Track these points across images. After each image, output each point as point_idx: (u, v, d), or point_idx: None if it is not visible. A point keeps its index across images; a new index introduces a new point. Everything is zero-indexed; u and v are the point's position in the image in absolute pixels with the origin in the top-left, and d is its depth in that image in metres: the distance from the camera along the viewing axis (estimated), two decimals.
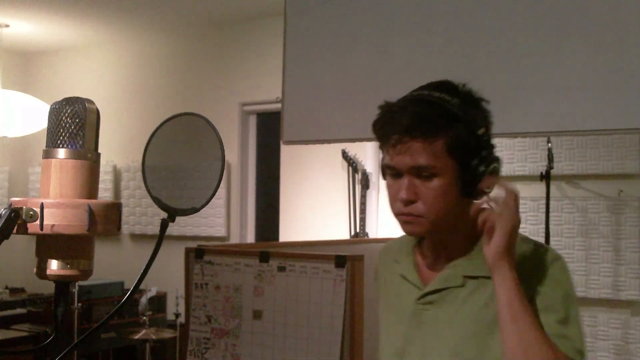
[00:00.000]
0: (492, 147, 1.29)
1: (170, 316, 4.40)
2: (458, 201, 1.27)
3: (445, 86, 1.31)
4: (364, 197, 4.13)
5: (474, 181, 1.25)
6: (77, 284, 3.87)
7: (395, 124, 1.25)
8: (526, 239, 1.33)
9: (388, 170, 1.29)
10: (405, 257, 1.41)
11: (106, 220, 0.89)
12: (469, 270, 1.31)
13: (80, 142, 0.89)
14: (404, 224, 1.29)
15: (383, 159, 1.32)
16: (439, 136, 1.23)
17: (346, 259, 2.17)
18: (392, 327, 1.41)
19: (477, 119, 1.29)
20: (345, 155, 4.16)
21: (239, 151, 4.92)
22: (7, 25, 4.99)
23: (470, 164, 1.25)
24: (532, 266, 1.27)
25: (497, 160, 1.29)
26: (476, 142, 1.26)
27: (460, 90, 1.31)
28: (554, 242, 3.42)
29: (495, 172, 1.27)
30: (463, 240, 1.33)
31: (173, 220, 0.97)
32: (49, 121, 0.90)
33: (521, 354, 1.17)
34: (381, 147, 1.31)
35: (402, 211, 1.27)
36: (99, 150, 0.93)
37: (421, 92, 1.29)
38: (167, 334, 3.97)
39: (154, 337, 3.81)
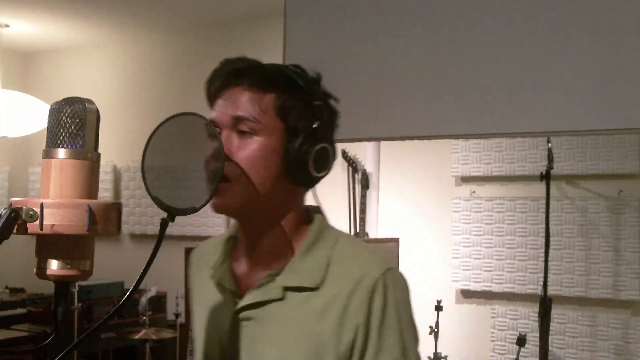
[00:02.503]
0: (328, 129, 1.15)
1: (170, 316, 4.40)
2: (280, 178, 1.10)
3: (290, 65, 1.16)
4: (364, 197, 4.13)
5: (300, 157, 1.09)
6: (77, 284, 3.87)
7: (228, 70, 1.11)
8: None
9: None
10: (222, 262, 1.19)
11: (106, 220, 0.89)
12: (289, 280, 1.10)
13: (80, 142, 0.89)
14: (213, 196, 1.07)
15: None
16: (271, 91, 1.09)
17: None
18: (208, 343, 1.19)
19: (318, 92, 1.14)
20: (345, 155, 4.16)
21: None
22: (7, 25, 4.99)
23: (299, 132, 1.10)
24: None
25: (330, 142, 1.14)
26: (310, 111, 1.11)
27: (307, 73, 1.16)
28: (554, 242, 3.43)
29: (327, 156, 1.14)
30: (284, 243, 1.13)
31: (173, 220, 0.97)
32: (49, 121, 0.90)
33: None
34: (211, 106, 1.15)
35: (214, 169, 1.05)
36: (99, 150, 0.93)
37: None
38: (167, 334, 3.96)
39: (154, 337, 3.81)
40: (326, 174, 1.15)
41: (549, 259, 3.25)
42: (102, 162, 0.94)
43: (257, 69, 1.12)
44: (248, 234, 1.16)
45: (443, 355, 3.53)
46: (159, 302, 4.58)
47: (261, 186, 1.09)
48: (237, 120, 1.09)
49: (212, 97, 1.14)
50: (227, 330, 1.13)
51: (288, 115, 1.10)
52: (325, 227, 1.17)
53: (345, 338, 1.05)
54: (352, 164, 4.17)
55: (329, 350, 1.06)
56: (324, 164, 1.13)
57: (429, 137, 2.69)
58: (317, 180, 1.14)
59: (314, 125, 1.11)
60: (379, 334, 1.06)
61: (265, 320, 1.11)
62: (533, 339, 3.42)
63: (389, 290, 1.07)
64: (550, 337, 3.20)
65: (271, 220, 1.13)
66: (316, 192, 1.21)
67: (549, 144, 3.32)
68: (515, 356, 3.29)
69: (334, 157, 1.15)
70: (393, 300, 1.07)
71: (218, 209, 1.11)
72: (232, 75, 1.11)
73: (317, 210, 1.20)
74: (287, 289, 1.10)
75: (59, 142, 0.89)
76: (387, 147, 4.16)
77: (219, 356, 1.15)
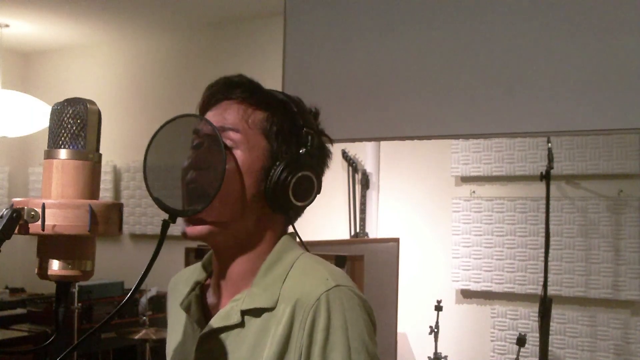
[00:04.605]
0: (315, 160, 1.10)
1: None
2: (257, 201, 1.06)
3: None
4: (364, 197, 4.13)
5: (279, 181, 1.05)
6: (77, 284, 3.87)
7: (222, 81, 1.10)
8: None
9: (194, 140, 1.06)
10: (191, 290, 1.13)
11: (107, 220, 0.89)
12: (246, 302, 1.03)
13: (82, 143, 0.89)
14: (187, 197, 1.04)
15: None
16: (263, 109, 1.07)
17: (346, 259, 2.17)
18: None
19: (312, 122, 1.11)
20: (345, 155, 4.16)
21: None
22: (7, 25, 4.99)
23: (283, 156, 1.06)
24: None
25: (315, 172, 1.08)
26: (298, 138, 1.07)
27: (304, 104, 1.14)
28: (554, 242, 3.43)
29: (310, 185, 1.08)
30: (251, 268, 1.07)
31: (174, 221, 0.97)
32: (50, 121, 0.90)
33: None
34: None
35: (186, 180, 1.03)
36: (100, 151, 0.93)
37: None
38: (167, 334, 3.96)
39: (154, 337, 3.80)
40: (307, 205, 1.09)
41: (549, 259, 3.26)
42: (102, 162, 0.94)
43: (252, 85, 1.10)
44: (220, 261, 1.10)
45: (443, 355, 3.53)
46: (159, 302, 4.58)
47: (236, 205, 1.04)
48: (221, 130, 1.04)
49: (202, 108, 1.12)
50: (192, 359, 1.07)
51: (275, 137, 1.06)
52: (289, 247, 1.09)
53: (293, 358, 0.99)
54: (352, 164, 4.17)
55: None
56: (306, 194, 1.07)
57: (429, 137, 2.69)
58: (296, 209, 1.09)
59: (300, 151, 1.07)
60: (322, 358, 0.97)
61: (225, 349, 1.03)
62: (533, 339, 3.42)
63: (334, 309, 0.98)
64: (550, 337, 3.20)
65: (244, 246, 1.07)
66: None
67: (549, 144, 3.32)
68: (515, 356, 3.29)
69: (318, 190, 1.10)
70: (340, 321, 0.98)
71: (190, 235, 1.04)
72: (226, 87, 1.09)
73: (293, 236, 1.13)
74: (245, 313, 1.03)
75: (60, 142, 0.89)
76: (387, 147, 4.16)
77: None
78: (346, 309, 0.99)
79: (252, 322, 1.03)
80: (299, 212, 1.11)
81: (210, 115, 1.08)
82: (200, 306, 1.11)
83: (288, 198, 1.06)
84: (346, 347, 0.98)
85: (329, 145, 1.15)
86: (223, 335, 1.04)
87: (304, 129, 1.08)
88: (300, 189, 1.06)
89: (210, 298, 1.12)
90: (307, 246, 1.13)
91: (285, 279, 1.04)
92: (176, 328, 1.16)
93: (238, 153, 1.04)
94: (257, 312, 1.03)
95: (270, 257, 1.07)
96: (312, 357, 0.98)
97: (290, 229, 1.14)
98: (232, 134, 1.04)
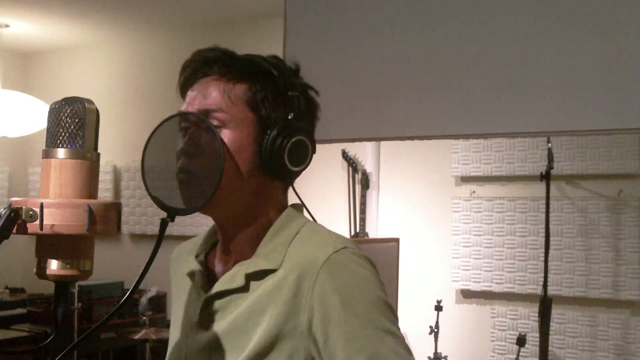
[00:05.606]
0: (305, 121, 1.08)
1: (170, 316, 4.40)
2: (254, 173, 1.05)
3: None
4: (364, 197, 4.13)
5: (274, 150, 1.04)
6: (77, 284, 3.87)
7: (198, 58, 1.09)
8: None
9: (182, 123, 1.05)
10: (196, 258, 1.15)
11: (106, 220, 0.89)
12: (251, 265, 1.04)
13: (80, 142, 0.89)
14: (181, 189, 1.03)
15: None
16: (243, 81, 1.05)
17: None
18: (174, 344, 1.15)
19: (294, 82, 1.08)
20: (345, 155, 4.16)
21: None
22: (7, 25, 4.99)
23: (272, 124, 1.04)
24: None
25: (307, 134, 1.07)
26: (284, 102, 1.05)
27: (284, 64, 1.11)
28: (554, 242, 3.43)
29: (304, 149, 1.07)
30: (256, 236, 1.07)
31: (173, 220, 0.97)
32: (48, 121, 0.90)
33: None
34: (183, 98, 1.12)
35: (179, 166, 1.02)
36: (99, 150, 0.93)
37: None
38: (167, 334, 3.95)
39: (153, 337, 3.80)
40: (304, 168, 1.09)
41: (549, 259, 3.25)
42: (102, 162, 0.94)
43: (228, 58, 1.08)
44: (223, 232, 1.11)
45: (443, 355, 3.53)
46: (159, 302, 4.58)
47: (233, 182, 1.03)
48: (206, 113, 1.04)
49: (182, 88, 1.11)
50: (193, 327, 1.09)
51: (260, 106, 1.05)
52: (295, 215, 1.10)
53: (302, 318, 0.98)
54: (352, 164, 4.17)
55: (286, 333, 0.99)
56: (302, 157, 1.07)
57: (429, 137, 2.68)
58: (294, 174, 1.08)
59: (289, 117, 1.05)
60: (324, 322, 0.97)
61: (228, 311, 1.05)
62: (533, 339, 3.42)
63: (336, 273, 0.99)
64: (550, 337, 3.20)
65: (246, 217, 1.08)
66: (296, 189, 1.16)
67: (549, 144, 3.32)
68: (515, 356, 3.28)
69: (313, 150, 1.09)
70: (340, 284, 0.98)
71: (188, 204, 1.02)
72: (202, 64, 1.08)
73: (298, 207, 1.14)
74: (249, 277, 1.03)
75: (58, 142, 0.89)
76: (387, 147, 4.16)
77: (186, 351, 1.11)
78: (347, 274, 0.99)
79: (255, 286, 1.03)
80: (297, 175, 1.11)
81: (191, 97, 1.08)
82: (206, 273, 1.12)
83: (285, 166, 1.05)
84: (344, 312, 0.97)
85: (314, 96, 1.13)
86: (227, 298, 1.05)
87: (289, 93, 1.06)
88: (295, 155, 1.06)
89: (218, 266, 1.13)
90: None
91: (290, 244, 1.05)
92: (181, 296, 1.17)
93: (227, 132, 1.03)
94: (261, 275, 1.03)
95: (276, 225, 1.08)
96: (314, 319, 0.97)
97: (297, 200, 1.15)
98: (217, 114, 1.04)
